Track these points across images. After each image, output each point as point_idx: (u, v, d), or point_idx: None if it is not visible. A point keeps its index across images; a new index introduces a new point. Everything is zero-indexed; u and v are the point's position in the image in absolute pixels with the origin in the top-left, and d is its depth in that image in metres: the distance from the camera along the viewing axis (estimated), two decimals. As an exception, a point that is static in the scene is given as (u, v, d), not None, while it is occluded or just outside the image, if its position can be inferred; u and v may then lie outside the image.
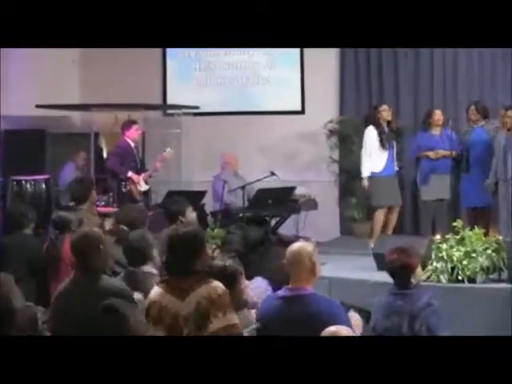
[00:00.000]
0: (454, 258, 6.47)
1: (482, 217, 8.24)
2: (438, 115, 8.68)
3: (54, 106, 9.97)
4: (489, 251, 6.48)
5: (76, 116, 11.15)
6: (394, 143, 8.63)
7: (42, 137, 10.28)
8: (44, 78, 10.24)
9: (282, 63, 10.79)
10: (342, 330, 3.41)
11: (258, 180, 9.06)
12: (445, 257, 6.50)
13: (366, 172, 8.58)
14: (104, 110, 10.14)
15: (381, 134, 8.51)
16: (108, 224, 7.01)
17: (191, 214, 6.85)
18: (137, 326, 3.99)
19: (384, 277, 5.75)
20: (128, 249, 5.34)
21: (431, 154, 8.53)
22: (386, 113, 8.63)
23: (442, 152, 8.50)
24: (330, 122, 10.23)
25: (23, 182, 8.82)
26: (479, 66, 9.88)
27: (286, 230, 9.19)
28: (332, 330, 3.39)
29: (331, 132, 10.26)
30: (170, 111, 11.09)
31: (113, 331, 3.70)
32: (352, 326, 4.05)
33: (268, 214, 8.77)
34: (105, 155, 10.39)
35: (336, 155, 10.35)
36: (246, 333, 4.00)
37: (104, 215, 7.73)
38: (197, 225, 5.94)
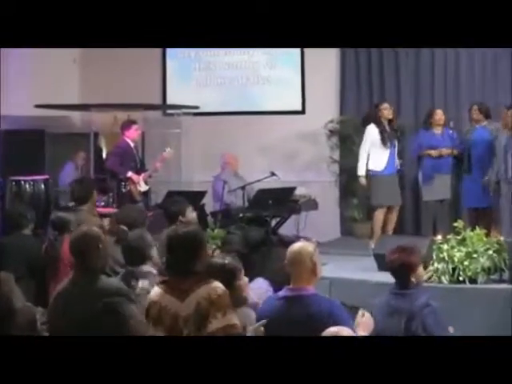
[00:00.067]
0: (455, 259, 6.46)
1: (484, 217, 8.23)
2: (439, 115, 8.68)
3: (53, 106, 9.96)
4: (490, 252, 6.47)
5: (75, 116, 11.14)
6: (396, 142, 8.62)
7: (41, 137, 10.27)
8: (44, 78, 10.23)
9: (282, 63, 10.79)
10: (343, 331, 3.40)
11: (259, 180, 9.05)
12: (446, 257, 6.49)
13: (361, 170, 8.57)
14: (103, 109, 10.12)
15: (382, 132, 8.51)
16: (106, 223, 6.99)
17: (191, 215, 6.83)
18: (137, 326, 3.98)
19: (385, 277, 5.75)
20: (127, 248, 5.34)
21: (433, 152, 8.51)
22: (387, 111, 8.64)
23: (444, 151, 8.49)
24: (331, 122, 10.23)
25: (22, 182, 8.79)
26: (480, 66, 9.88)
27: (286, 230, 9.19)
28: (333, 330, 3.39)
29: (332, 132, 10.26)
30: (169, 111, 11.08)
31: (112, 331, 3.69)
32: (359, 325, 4.01)
33: (268, 214, 8.77)
34: (104, 155, 10.37)
35: (336, 155, 10.35)
36: (252, 329, 3.99)
37: (103, 215, 7.70)
38: (197, 225, 5.93)
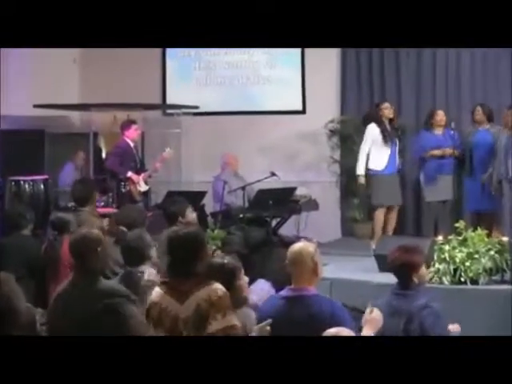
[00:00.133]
0: (457, 260, 6.44)
1: (485, 220, 8.20)
2: (440, 115, 8.67)
3: (53, 106, 9.94)
4: (492, 252, 6.46)
5: (75, 116, 11.13)
6: (396, 141, 8.62)
7: (40, 137, 10.25)
8: (44, 78, 10.22)
9: (282, 62, 10.76)
10: (343, 332, 3.37)
11: (259, 180, 9.03)
12: (447, 258, 6.47)
13: (361, 169, 8.57)
14: (103, 109, 10.10)
15: (383, 131, 8.50)
16: (106, 223, 6.97)
17: (191, 215, 6.82)
18: (137, 327, 3.97)
19: (386, 278, 5.73)
20: (126, 249, 5.34)
21: (436, 152, 8.49)
22: (387, 110, 8.64)
23: (447, 150, 8.47)
24: (331, 121, 10.21)
25: (22, 182, 8.77)
26: (482, 66, 9.86)
27: (286, 230, 9.18)
28: (332, 331, 3.36)
29: (332, 132, 10.25)
30: (169, 111, 11.06)
31: (112, 332, 3.67)
32: (367, 322, 3.95)
33: (268, 214, 8.75)
34: (104, 155, 10.36)
35: (337, 155, 10.34)
36: (257, 329, 3.96)
37: (103, 216, 7.69)
38: (197, 226, 5.92)
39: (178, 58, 11.15)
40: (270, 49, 10.49)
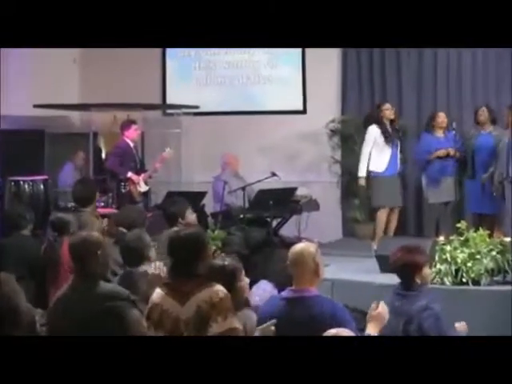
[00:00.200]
0: (458, 260, 6.43)
1: (487, 220, 8.19)
2: (441, 117, 8.66)
3: (53, 106, 9.93)
4: (493, 253, 6.45)
5: (75, 116, 11.12)
6: (397, 142, 8.60)
7: (40, 137, 10.23)
8: (44, 78, 10.21)
9: (283, 62, 10.75)
10: (343, 333, 3.37)
11: (259, 181, 9.00)
12: (449, 259, 6.46)
13: (362, 171, 8.55)
14: (103, 109, 10.09)
15: (384, 132, 8.48)
16: (105, 223, 6.96)
17: (191, 216, 6.80)
18: (137, 330, 3.96)
19: (387, 279, 5.72)
20: (125, 249, 5.35)
21: (440, 152, 8.46)
22: (388, 111, 8.62)
23: (451, 151, 8.45)
24: (332, 121, 10.20)
25: (21, 182, 8.77)
26: (483, 66, 9.83)
27: (287, 231, 9.16)
28: (332, 332, 3.36)
29: (333, 132, 10.24)
30: (169, 111, 11.04)
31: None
32: (372, 319, 3.91)
33: (269, 215, 8.73)
34: (104, 155, 10.35)
35: (338, 155, 10.33)
36: (260, 329, 3.95)
37: (102, 216, 7.68)
38: (199, 227, 5.91)
39: (178, 58, 11.13)
40: (271, 48, 10.46)
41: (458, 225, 6.72)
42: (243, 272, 4.32)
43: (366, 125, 8.76)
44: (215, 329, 3.74)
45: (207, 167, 10.27)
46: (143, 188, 8.98)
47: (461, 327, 4.66)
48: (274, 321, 3.97)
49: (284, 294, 4.26)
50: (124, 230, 6.12)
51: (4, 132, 9.61)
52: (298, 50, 10.56)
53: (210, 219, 9.15)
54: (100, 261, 4.31)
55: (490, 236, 6.73)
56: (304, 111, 10.67)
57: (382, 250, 7.10)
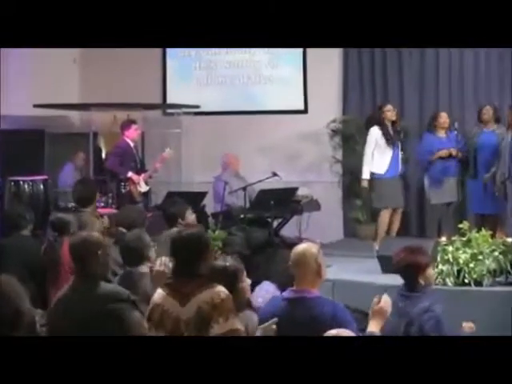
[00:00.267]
0: (461, 261, 6.42)
1: (489, 220, 8.17)
2: (443, 118, 8.64)
3: (53, 106, 9.92)
4: (496, 253, 6.44)
5: (75, 116, 11.12)
6: (399, 143, 8.59)
7: (40, 137, 10.23)
8: (44, 78, 10.20)
9: (284, 62, 10.73)
10: (343, 334, 3.36)
11: (260, 181, 8.99)
12: (451, 259, 6.45)
13: (366, 173, 8.54)
14: (103, 109, 10.08)
15: (386, 134, 8.47)
16: (105, 223, 6.95)
17: (190, 217, 6.79)
18: (138, 332, 3.95)
19: (389, 280, 5.70)
20: (125, 249, 5.35)
21: (442, 152, 8.43)
22: (390, 113, 8.60)
23: (453, 151, 8.43)
24: (333, 121, 10.19)
25: (21, 182, 8.77)
26: (485, 66, 9.82)
27: (288, 231, 9.14)
28: (332, 333, 3.35)
29: (334, 132, 10.23)
30: (169, 111, 11.03)
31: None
32: (374, 314, 3.89)
33: (270, 215, 8.71)
34: (104, 155, 10.33)
35: (339, 155, 10.32)
36: (262, 328, 3.95)
37: (102, 216, 7.67)
38: (201, 226, 5.90)
39: (179, 58, 11.11)
40: (272, 48, 10.45)
41: (460, 225, 6.71)
42: (245, 273, 4.31)
43: (367, 126, 8.75)
44: (217, 330, 3.74)
45: (208, 167, 10.26)
46: (143, 188, 8.97)
47: (467, 327, 4.63)
48: (275, 319, 3.96)
49: (285, 294, 4.25)
50: (124, 230, 6.12)
51: (4, 132, 9.60)
52: (299, 50, 10.54)
53: (210, 219, 9.15)
54: (100, 261, 4.31)
55: (493, 236, 6.73)
56: (305, 111, 10.65)
57: (383, 250, 7.10)
